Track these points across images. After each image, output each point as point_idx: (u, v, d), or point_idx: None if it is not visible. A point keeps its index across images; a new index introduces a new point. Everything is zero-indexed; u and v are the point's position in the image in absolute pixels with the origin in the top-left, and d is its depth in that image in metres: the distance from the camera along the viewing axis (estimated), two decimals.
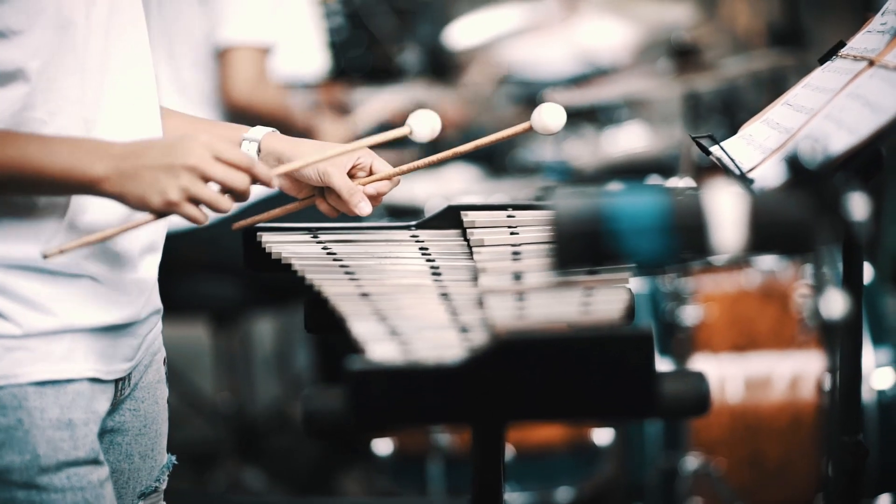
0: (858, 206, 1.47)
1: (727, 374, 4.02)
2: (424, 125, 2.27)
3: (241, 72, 4.27)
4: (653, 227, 1.51)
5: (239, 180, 2.02)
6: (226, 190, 2.02)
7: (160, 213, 2.00)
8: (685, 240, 1.50)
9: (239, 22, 4.26)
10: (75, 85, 2.04)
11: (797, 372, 3.99)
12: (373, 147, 2.29)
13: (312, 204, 2.33)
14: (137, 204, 1.98)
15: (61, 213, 2.04)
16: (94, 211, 2.07)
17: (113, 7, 2.10)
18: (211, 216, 2.04)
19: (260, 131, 2.29)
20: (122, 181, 1.96)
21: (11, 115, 1.99)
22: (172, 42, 4.29)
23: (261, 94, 4.32)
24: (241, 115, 4.31)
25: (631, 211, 1.51)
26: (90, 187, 1.97)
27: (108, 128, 2.08)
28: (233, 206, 2.03)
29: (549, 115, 2.26)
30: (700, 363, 4.00)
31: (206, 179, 1.99)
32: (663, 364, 3.99)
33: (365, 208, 2.26)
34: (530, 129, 2.29)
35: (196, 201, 1.99)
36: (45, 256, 2.00)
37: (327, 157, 2.23)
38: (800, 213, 1.46)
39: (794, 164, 1.47)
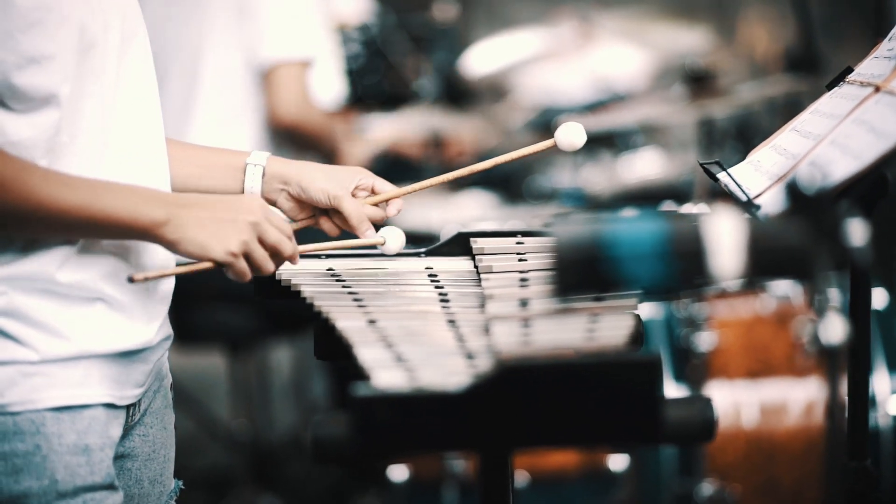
0: (858, 231, 1.47)
1: (742, 400, 4.01)
2: (396, 240, 2.32)
3: (287, 91, 4.29)
4: (651, 253, 1.51)
5: (287, 246, 2.10)
6: (272, 253, 2.09)
7: (216, 263, 2.06)
8: (683, 266, 1.50)
9: (283, 38, 4.27)
10: (95, 107, 2.07)
11: (812, 398, 3.98)
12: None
13: (313, 224, 2.36)
14: (195, 251, 2.04)
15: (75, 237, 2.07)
16: None
17: (124, 29, 2.13)
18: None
19: (262, 156, 2.33)
20: (181, 228, 2.03)
21: (46, 140, 2.02)
22: (198, 60, 4.30)
23: (307, 112, 4.34)
24: (288, 134, 4.34)
25: (629, 237, 1.52)
26: (149, 232, 2.02)
27: (119, 150, 2.11)
28: (274, 270, 2.11)
29: (573, 132, 2.30)
30: (715, 389, 3.99)
31: (260, 240, 2.06)
32: (678, 390, 3.99)
33: (372, 236, 2.29)
34: (554, 146, 2.33)
35: (248, 258, 2.07)
36: (131, 280, 2.07)
37: (331, 246, 2.32)
38: (798, 239, 1.46)
39: (794, 190, 1.47)
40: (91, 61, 2.06)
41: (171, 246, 2.04)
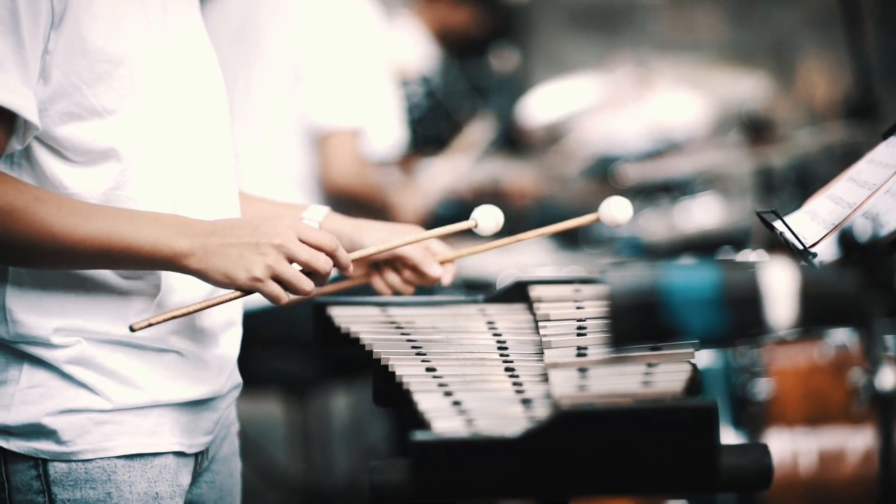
0: None
1: (800, 448, 3.99)
2: (489, 219, 2.27)
3: (340, 157, 4.35)
4: (706, 300, 1.52)
5: (322, 262, 2.04)
6: (308, 271, 2.05)
7: (244, 290, 2.03)
8: (738, 314, 1.51)
9: (336, 107, 4.33)
10: (163, 163, 2.08)
11: (871, 446, 3.96)
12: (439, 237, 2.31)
13: (367, 282, 2.37)
14: (221, 280, 2.01)
15: (152, 292, 2.08)
16: (184, 291, 2.10)
17: (197, 86, 2.15)
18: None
19: (319, 211, 2.33)
20: (206, 257, 1.99)
21: (103, 192, 2.03)
22: (259, 121, 4.35)
23: (359, 177, 4.40)
24: (340, 198, 4.38)
25: (683, 285, 1.53)
26: (174, 262, 2.00)
27: (192, 205, 2.11)
28: (312, 288, 2.05)
29: (618, 208, 2.29)
30: (773, 437, 3.97)
31: (290, 259, 2.02)
32: (736, 438, 3.97)
33: (437, 270, 2.29)
34: (598, 220, 2.32)
35: (279, 280, 2.02)
36: (132, 329, 2.02)
37: (399, 244, 2.26)
38: (852, 287, 1.47)
39: (847, 239, 1.49)
40: (159, 116, 2.07)
41: (197, 276, 2.01)
